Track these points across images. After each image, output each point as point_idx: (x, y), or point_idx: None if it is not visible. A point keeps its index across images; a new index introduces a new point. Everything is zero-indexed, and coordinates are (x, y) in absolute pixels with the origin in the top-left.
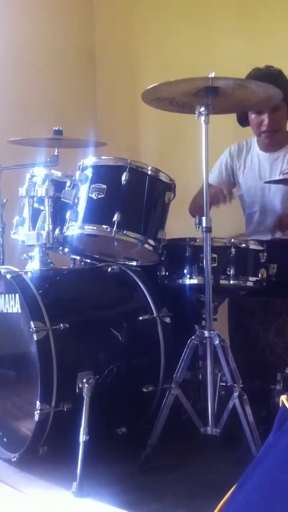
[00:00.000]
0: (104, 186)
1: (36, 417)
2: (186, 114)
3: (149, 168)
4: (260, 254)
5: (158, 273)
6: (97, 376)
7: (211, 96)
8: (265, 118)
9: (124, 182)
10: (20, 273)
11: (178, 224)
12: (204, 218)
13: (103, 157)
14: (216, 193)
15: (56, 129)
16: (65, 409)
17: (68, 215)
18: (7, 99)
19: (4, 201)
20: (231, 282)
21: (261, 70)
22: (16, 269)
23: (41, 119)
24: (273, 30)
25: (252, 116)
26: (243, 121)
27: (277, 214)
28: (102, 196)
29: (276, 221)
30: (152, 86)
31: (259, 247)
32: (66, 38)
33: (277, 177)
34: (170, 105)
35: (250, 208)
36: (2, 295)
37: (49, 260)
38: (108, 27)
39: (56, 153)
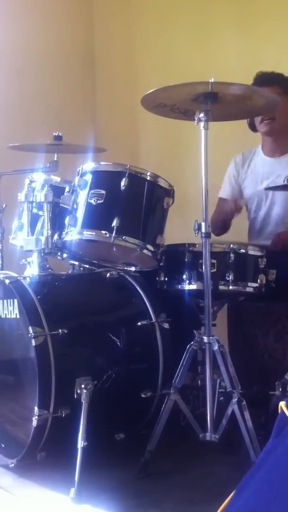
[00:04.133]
0: (103, 192)
1: (34, 423)
2: (188, 121)
3: (148, 173)
4: (259, 259)
5: (157, 278)
6: (96, 382)
7: (210, 102)
8: None
9: (123, 188)
10: (18, 278)
11: (177, 230)
12: (203, 224)
13: (102, 163)
14: (230, 207)
15: (56, 134)
16: (63, 415)
17: (67, 220)
18: (7, 104)
19: (3, 206)
20: (230, 287)
21: (266, 74)
22: (14, 275)
23: (41, 124)
24: (273, 36)
25: None
26: (254, 126)
27: (275, 231)
28: (101, 201)
29: (275, 238)
30: (150, 91)
31: (259, 253)
32: (66, 44)
33: (281, 182)
34: (171, 112)
35: (253, 214)
36: (1, 300)
37: (47, 266)
38: (108, 33)
39: (55, 159)
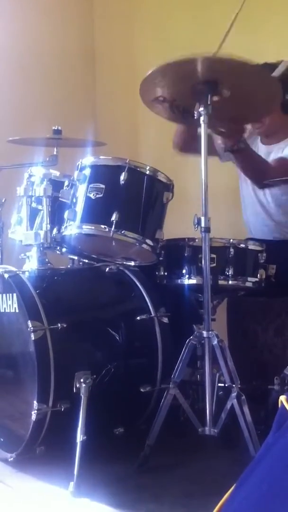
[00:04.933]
0: (103, 186)
1: (33, 417)
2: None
3: (148, 168)
4: (259, 254)
5: (157, 273)
6: (95, 376)
7: (210, 94)
8: None
9: (123, 182)
10: (17, 272)
11: (177, 224)
12: (203, 218)
13: (101, 157)
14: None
15: (55, 128)
16: (63, 409)
17: (66, 214)
18: (7, 98)
19: (3, 200)
20: (230, 282)
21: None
22: (13, 269)
23: (41, 118)
24: (275, 31)
25: None
26: None
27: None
28: (101, 195)
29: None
30: (149, 72)
31: (258, 248)
32: (66, 38)
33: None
34: (171, 111)
35: (250, 208)
36: (0, 295)
37: (47, 260)
38: (107, 27)
39: (55, 153)
